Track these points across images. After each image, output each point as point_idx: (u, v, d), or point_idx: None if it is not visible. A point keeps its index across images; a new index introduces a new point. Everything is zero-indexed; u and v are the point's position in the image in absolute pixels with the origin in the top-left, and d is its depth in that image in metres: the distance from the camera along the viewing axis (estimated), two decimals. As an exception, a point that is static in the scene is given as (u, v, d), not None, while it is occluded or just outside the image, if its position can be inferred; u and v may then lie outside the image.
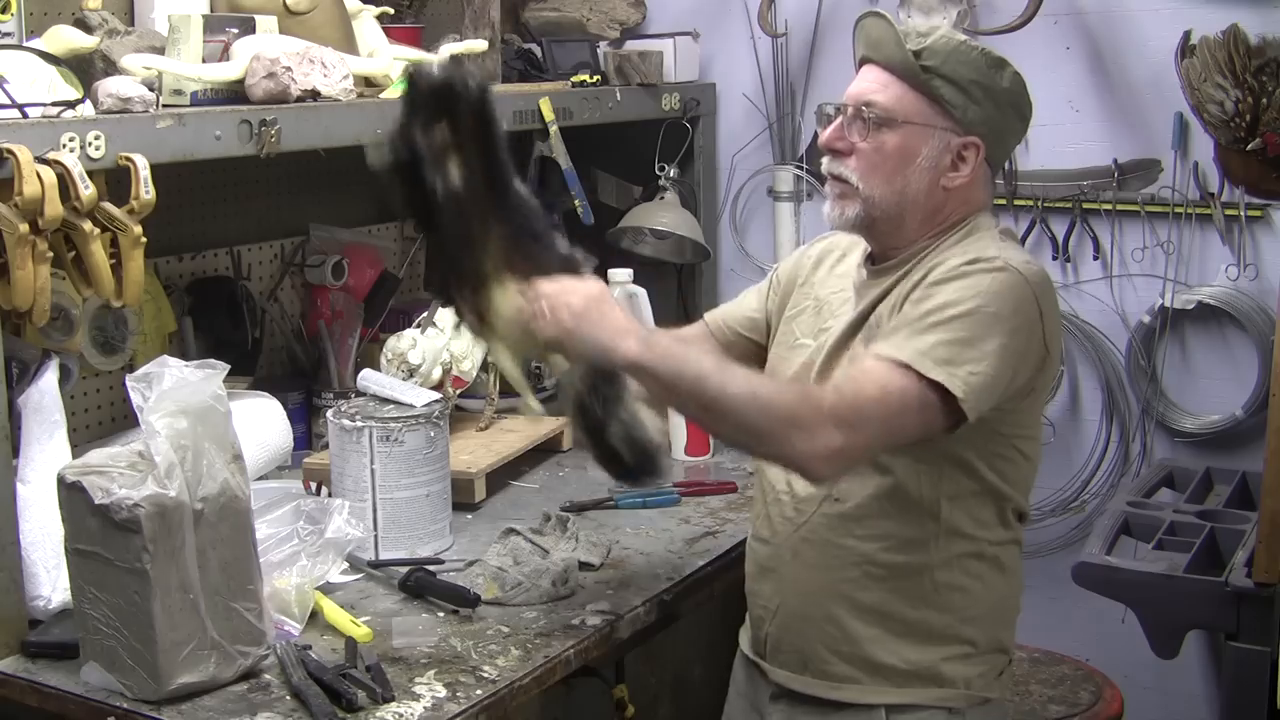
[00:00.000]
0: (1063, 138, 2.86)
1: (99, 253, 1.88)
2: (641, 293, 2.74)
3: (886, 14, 1.79)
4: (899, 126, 1.76)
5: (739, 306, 2.11)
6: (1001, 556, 1.83)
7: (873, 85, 1.79)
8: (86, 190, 1.81)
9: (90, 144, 1.84)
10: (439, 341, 2.44)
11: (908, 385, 1.63)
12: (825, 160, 1.84)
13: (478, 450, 2.45)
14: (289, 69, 2.12)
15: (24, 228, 1.77)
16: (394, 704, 1.67)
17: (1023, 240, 2.89)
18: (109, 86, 1.95)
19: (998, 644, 1.85)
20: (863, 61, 1.83)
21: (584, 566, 2.07)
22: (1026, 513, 1.86)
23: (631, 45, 3.07)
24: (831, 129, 1.82)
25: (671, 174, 3.11)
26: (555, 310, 1.70)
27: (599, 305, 1.70)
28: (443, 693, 1.71)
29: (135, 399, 1.68)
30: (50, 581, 1.85)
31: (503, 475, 2.47)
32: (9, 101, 1.84)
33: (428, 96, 1.72)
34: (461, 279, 1.79)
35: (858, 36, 1.84)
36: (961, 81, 1.76)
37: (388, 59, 2.44)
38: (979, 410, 1.66)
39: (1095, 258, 2.87)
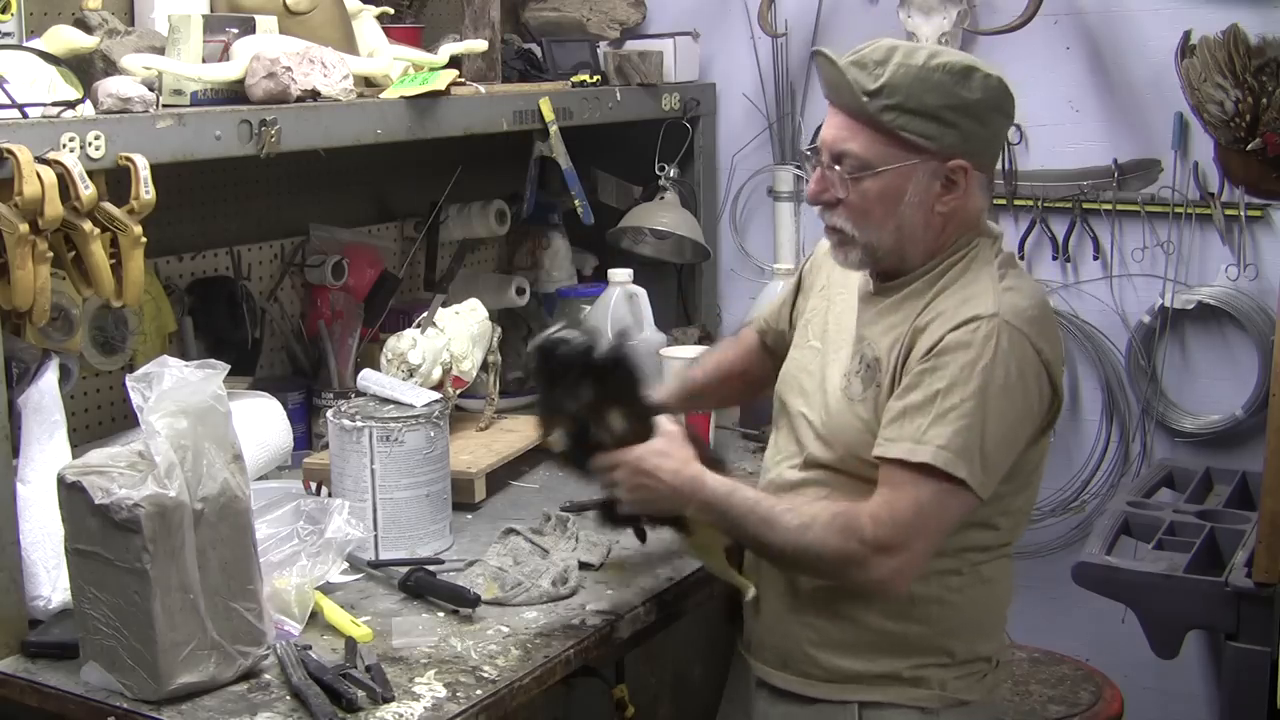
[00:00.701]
0: (1063, 138, 2.86)
1: (99, 253, 1.87)
2: (641, 293, 2.74)
3: (833, 56, 1.72)
4: (879, 174, 1.73)
5: (775, 301, 2.13)
6: (984, 570, 1.82)
7: (842, 133, 1.74)
8: (86, 190, 1.81)
9: (90, 144, 1.84)
10: (439, 341, 2.44)
11: (937, 489, 1.67)
12: (817, 210, 1.82)
13: (478, 450, 2.45)
14: (289, 69, 2.12)
15: (24, 228, 1.77)
16: (394, 704, 1.67)
17: (1022, 241, 2.90)
18: (109, 86, 1.95)
19: (977, 654, 1.84)
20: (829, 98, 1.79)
21: (584, 566, 2.07)
22: (1017, 539, 1.87)
23: (631, 45, 3.07)
24: (814, 181, 1.80)
25: (671, 174, 3.11)
26: (625, 490, 1.80)
27: (655, 478, 1.77)
28: (443, 693, 1.71)
29: (135, 399, 1.68)
30: (50, 581, 1.85)
31: (503, 475, 2.47)
32: (9, 101, 1.84)
33: (579, 366, 1.78)
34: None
35: (816, 73, 1.80)
36: (931, 111, 1.70)
37: (388, 59, 2.44)
38: (992, 488, 1.70)
39: (1095, 258, 2.87)
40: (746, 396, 2.16)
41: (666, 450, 1.78)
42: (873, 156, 1.72)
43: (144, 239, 1.92)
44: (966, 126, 1.72)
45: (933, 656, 1.80)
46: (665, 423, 1.83)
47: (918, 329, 1.73)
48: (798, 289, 2.05)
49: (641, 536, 2.00)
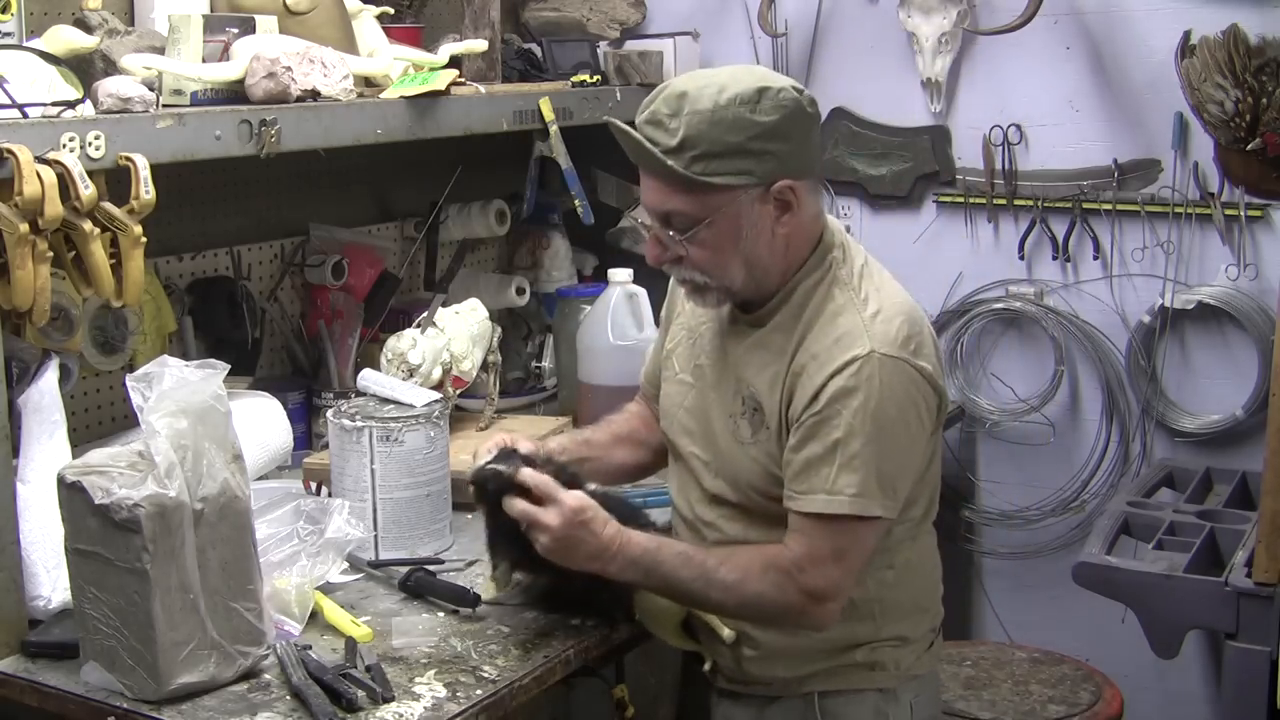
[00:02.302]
0: (1063, 138, 2.87)
1: (99, 253, 1.87)
2: (641, 293, 2.74)
3: (625, 126, 1.71)
4: (710, 224, 1.71)
5: (651, 359, 2.10)
6: (913, 558, 1.85)
7: (661, 195, 1.72)
8: (86, 190, 1.81)
9: (90, 144, 1.84)
10: (439, 341, 2.44)
11: (854, 530, 1.70)
12: (666, 267, 1.81)
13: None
14: (289, 69, 2.12)
15: (24, 228, 1.77)
16: (394, 704, 1.67)
17: (1022, 240, 2.90)
18: (109, 86, 1.95)
19: (924, 629, 1.88)
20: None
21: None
22: (934, 514, 1.89)
23: (631, 45, 3.07)
24: (650, 246, 1.78)
25: (672, 174, 3.10)
26: (546, 550, 1.75)
27: (574, 543, 1.74)
28: (443, 693, 1.71)
29: (135, 399, 1.68)
30: (50, 581, 1.85)
31: (503, 475, 2.46)
32: (9, 101, 1.84)
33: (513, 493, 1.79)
34: (604, 598, 1.88)
35: (619, 141, 1.74)
36: (735, 149, 1.67)
37: (388, 59, 2.44)
38: (900, 506, 1.74)
39: (1095, 258, 2.87)
40: (645, 460, 2.10)
41: (577, 529, 1.75)
42: (697, 210, 1.71)
43: (144, 239, 1.92)
44: (776, 148, 1.69)
45: (886, 641, 1.84)
46: None
47: (795, 373, 1.73)
48: (662, 329, 2.03)
49: (610, 615, 1.94)
